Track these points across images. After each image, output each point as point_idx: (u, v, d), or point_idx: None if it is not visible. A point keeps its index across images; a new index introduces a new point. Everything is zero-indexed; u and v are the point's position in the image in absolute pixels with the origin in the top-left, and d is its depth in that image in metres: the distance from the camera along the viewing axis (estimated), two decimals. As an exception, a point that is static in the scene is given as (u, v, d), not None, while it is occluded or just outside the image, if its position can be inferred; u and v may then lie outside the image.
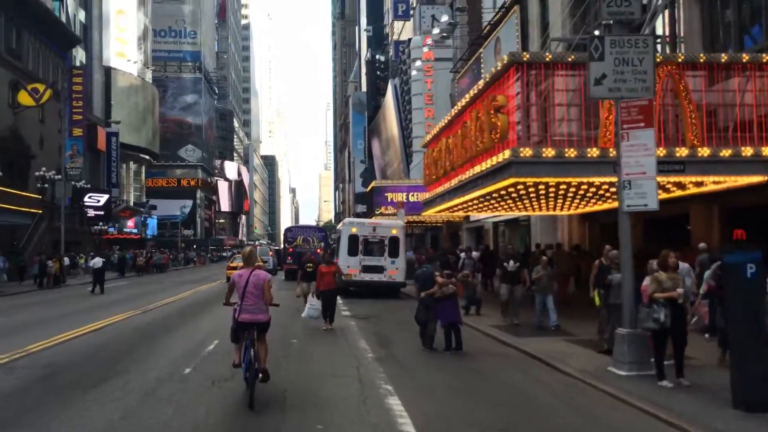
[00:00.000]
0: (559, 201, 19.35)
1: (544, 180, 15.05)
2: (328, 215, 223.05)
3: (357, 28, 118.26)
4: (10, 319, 17.68)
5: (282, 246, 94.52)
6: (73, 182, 40.21)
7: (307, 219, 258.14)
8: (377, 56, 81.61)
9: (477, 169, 16.81)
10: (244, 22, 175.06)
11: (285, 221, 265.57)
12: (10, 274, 32.66)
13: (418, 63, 46.40)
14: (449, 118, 21.42)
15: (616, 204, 11.76)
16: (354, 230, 24.04)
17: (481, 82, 16.64)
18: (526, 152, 14.23)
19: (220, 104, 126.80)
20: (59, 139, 50.88)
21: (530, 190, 16.65)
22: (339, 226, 27.30)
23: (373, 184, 45.86)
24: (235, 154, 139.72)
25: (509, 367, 10.72)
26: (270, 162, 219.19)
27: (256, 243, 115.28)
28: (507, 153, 14.43)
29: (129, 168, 70.51)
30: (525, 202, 20.05)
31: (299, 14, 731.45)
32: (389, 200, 42.50)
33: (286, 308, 18.79)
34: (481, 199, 19.48)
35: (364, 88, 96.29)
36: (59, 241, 42.56)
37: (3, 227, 36.64)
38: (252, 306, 8.12)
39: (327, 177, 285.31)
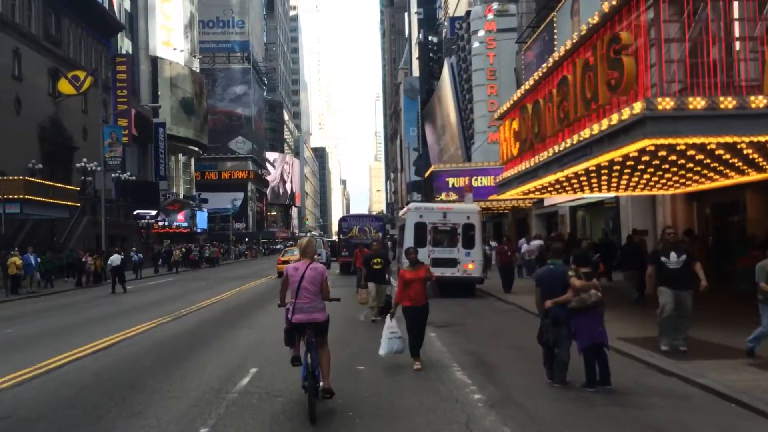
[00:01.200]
0: (688, 174, 15.08)
1: (690, 140, 10.93)
2: (379, 206, 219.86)
3: (407, 13, 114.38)
4: None
5: (335, 237, 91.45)
6: (113, 172, 37.46)
7: (358, 210, 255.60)
8: (429, 38, 77.47)
9: (585, 134, 12.77)
10: (292, 13, 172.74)
11: (336, 213, 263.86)
12: (58, 271, 29.85)
13: (481, 33, 42.08)
14: (535, 78, 17.36)
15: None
16: (421, 217, 20.19)
17: (595, 17, 12.49)
18: (666, 104, 10.31)
19: (269, 95, 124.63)
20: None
21: (661, 156, 12.47)
22: (401, 213, 23.35)
23: (432, 168, 41.93)
24: (285, 146, 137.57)
25: (705, 421, 6.73)
26: (320, 154, 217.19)
27: (308, 234, 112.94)
28: (638, 106, 10.53)
29: (178, 160, 68.28)
30: (630, 177, 15.95)
31: (346, 5, 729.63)
32: (450, 186, 38.54)
33: (345, 316, 15.44)
34: (581, 174, 15.44)
35: (415, 74, 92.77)
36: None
37: (40, 222, 34.18)
38: (307, 304, 6.92)
39: (377, 168, 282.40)
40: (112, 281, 25.86)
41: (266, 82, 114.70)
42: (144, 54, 63.05)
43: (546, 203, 32.42)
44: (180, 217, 64.58)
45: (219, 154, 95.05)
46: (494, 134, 43.32)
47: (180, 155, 68.63)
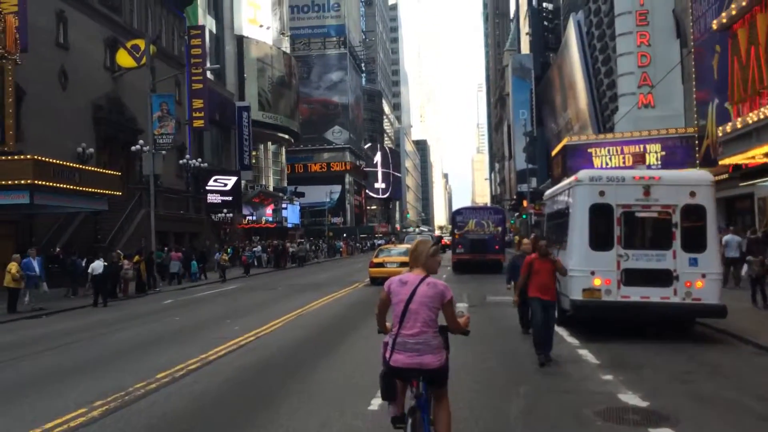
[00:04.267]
0: None
1: None
2: (483, 199, 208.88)
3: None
4: None
5: (438, 232, 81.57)
6: (163, 152, 30.32)
7: (461, 203, 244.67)
8: (543, 4, 66.93)
9: None
10: (391, 2, 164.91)
11: (438, 207, 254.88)
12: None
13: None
14: None
15: None
16: (602, 195, 10.96)
17: None
18: None
19: (368, 85, 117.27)
20: (178, 111, 42.08)
21: None
22: (556, 190, 14.03)
23: (564, 142, 32.28)
24: (385, 137, 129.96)
25: None
26: (422, 147, 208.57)
27: (416, 230, 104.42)
28: None
29: (267, 149, 61.54)
30: None
31: None
32: (600, 164, 29.15)
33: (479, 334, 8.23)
34: None
35: (524, 51, 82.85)
36: (166, 232, 33.22)
37: (75, 215, 27.49)
38: (416, 339, 4.35)
39: (480, 161, 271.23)
40: (94, 293, 19.78)
41: (364, 69, 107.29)
42: (229, 34, 56.62)
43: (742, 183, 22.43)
44: (268, 211, 57.89)
45: (315, 145, 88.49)
46: (646, 96, 33.02)
47: (269, 144, 61.87)
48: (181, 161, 35.47)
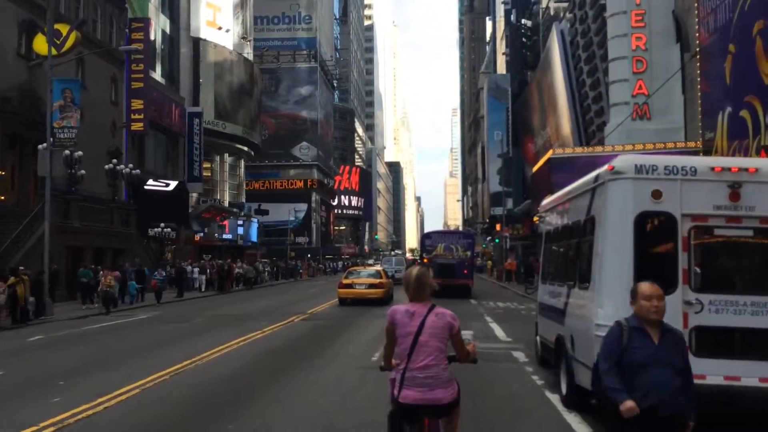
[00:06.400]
0: None
1: None
2: (455, 222, 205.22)
3: (488, 17, 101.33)
4: None
5: (408, 255, 76.88)
6: (69, 150, 24.95)
7: (433, 227, 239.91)
8: (523, 21, 63.28)
9: None
10: (367, 23, 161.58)
11: (410, 229, 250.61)
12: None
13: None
14: None
15: None
16: (658, 198, 6.23)
17: None
18: None
19: (340, 103, 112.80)
20: (114, 113, 36.82)
21: None
22: (578, 186, 8.02)
23: (549, 154, 27.74)
24: (356, 157, 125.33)
25: None
26: (395, 169, 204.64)
27: (392, 253, 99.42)
28: None
29: (223, 161, 56.21)
30: None
31: (422, 22, 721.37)
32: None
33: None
34: None
35: (500, 72, 79.42)
36: (82, 247, 27.82)
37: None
38: (426, 373, 4.05)
39: (453, 184, 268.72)
40: None
41: (336, 86, 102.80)
42: (185, 35, 51.50)
43: None
44: (225, 228, 52.44)
45: (282, 161, 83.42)
46: (641, 107, 28.74)
47: (226, 155, 56.54)
48: (106, 166, 30.04)
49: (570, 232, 8.13)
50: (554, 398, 8.25)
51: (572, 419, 7.23)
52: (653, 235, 6.53)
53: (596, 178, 7.05)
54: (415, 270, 4.30)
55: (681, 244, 6.24)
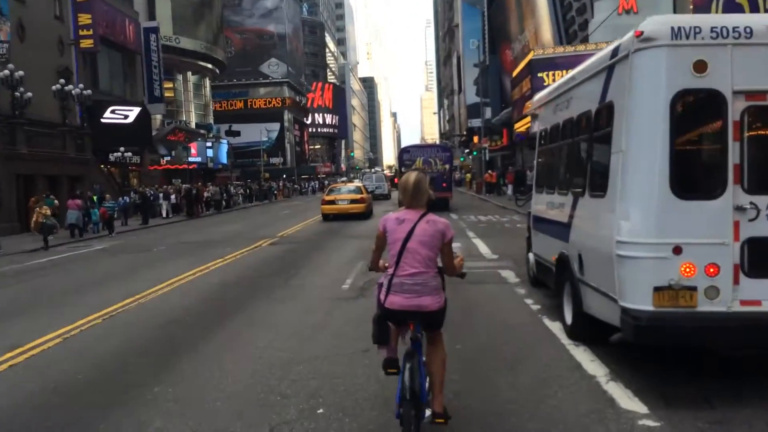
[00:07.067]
0: None
1: None
2: (432, 137, 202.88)
3: None
4: None
5: (386, 171, 75.54)
6: (6, 70, 22.34)
7: (410, 143, 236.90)
8: None
9: None
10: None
11: (387, 146, 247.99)
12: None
13: None
14: None
15: None
16: (700, 67, 4.61)
17: None
18: None
19: (309, 15, 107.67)
20: (60, 29, 33.63)
21: None
22: (589, 66, 6.19)
23: (530, 57, 25.69)
24: (329, 73, 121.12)
25: None
26: (369, 85, 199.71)
27: (373, 171, 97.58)
28: None
29: (187, 80, 53.08)
30: None
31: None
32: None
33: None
34: None
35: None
36: (33, 175, 25.71)
37: None
38: (414, 280, 3.95)
39: (429, 98, 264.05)
40: None
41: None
42: (135, -59, 47.21)
43: None
44: (191, 150, 50.13)
45: (250, 80, 79.91)
46: (627, 2, 26.61)
47: (189, 74, 53.35)
48: (54, 87, 27.42)
49: (576, 128, 6.48)
50: (555, 328, 6.90)
51: (582, 356, 5.86)
52: (695, 122, 4.93)
53: (615, 51, 5.35)
54: (413, 175, 4.10)
55: (732, 130, 4.66)
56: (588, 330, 6.13)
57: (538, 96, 8.79)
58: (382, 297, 4.02)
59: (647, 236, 4.75)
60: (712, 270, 4.68)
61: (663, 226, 4.72)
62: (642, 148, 4.84)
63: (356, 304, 8.57)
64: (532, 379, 5.33)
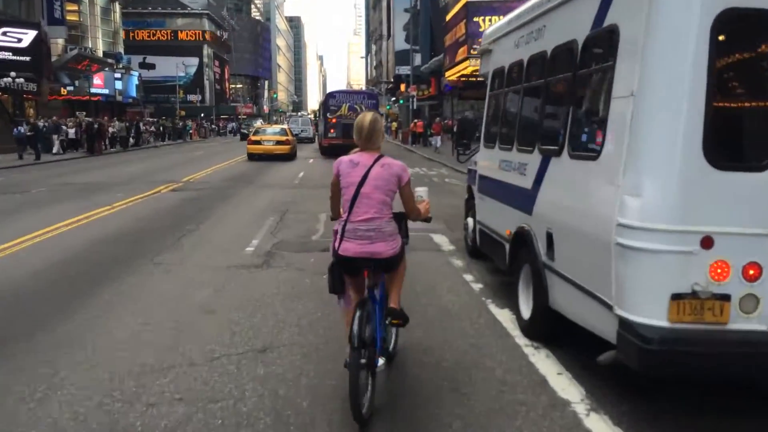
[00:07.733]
0: None
1: None
2: (359, 84, 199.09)
3: None
4: None
5: (311, 116, 73.34)
6: None
7: (336, 88, 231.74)
8: None
9: None
10: None
11: (312, 90, 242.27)
12: None
13: None
14: None
15: None
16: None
17: None
18: None
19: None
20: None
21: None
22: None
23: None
24: (253, 8, 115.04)
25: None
26: (296, 25, 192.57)
27: (299, 114, 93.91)
28: None
29: (94, 3, 48.14)
30: None
31: None
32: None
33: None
34: None
35: None
36: None
37: None
38: (368, 226, 3.75)
39: (357, 44, 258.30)
40: None
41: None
42: None
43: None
44: (97, 81, 45.86)
45: (167, 9, 74.36)
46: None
47: (95, -4, 48.38)
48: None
49: (551, 65, 4.90)
50: (505, 318, 5.48)
51: (546, 367, 4.44)
52: (745, 59, 3.45)
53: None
54: (368, 116, 3.94)
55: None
56: (552, 329, 4.73)
57: (493, 28, 7.13)
58: (336, 244, 3.83)
59: (668, 220, 3.28)
60: (751, 272, 3.29)
61: (691, 207, 3.26)
62: (666, 92, 3.32)
63: (258, 277, 6.89)
64: (486, 408, 3.86)
